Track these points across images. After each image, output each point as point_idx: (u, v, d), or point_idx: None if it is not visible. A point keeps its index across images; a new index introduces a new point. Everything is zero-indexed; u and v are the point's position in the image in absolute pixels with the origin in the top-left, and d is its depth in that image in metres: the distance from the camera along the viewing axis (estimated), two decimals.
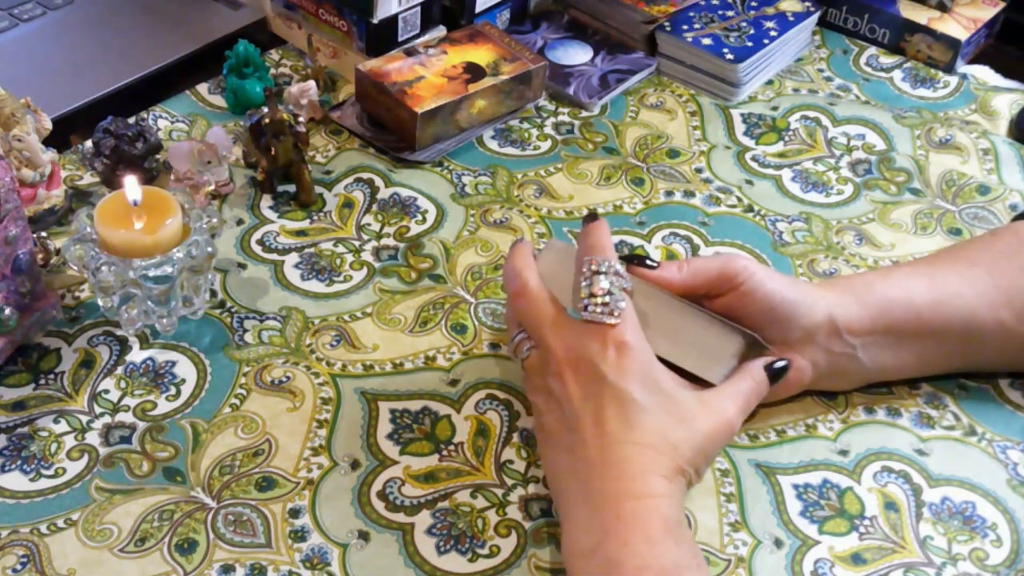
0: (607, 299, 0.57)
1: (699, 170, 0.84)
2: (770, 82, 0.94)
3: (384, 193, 0.79)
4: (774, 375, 0.61)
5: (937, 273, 0.65)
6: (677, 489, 0.55)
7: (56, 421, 0.62)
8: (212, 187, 0.77)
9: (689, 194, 0.82)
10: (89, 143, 0.78)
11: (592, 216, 0.61)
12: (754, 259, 0.65)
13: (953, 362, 0.66)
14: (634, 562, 0.51)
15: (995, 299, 0.64)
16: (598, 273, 0.58)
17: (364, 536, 0.58)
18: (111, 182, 0.76)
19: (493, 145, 0.85)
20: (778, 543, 0.59)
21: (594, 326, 0.57)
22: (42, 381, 0.65)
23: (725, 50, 0.90)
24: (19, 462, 0.60)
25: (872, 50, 0.98)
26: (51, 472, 0.60)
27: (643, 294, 0.61)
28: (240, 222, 0.76)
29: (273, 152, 0.76)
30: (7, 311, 0.62)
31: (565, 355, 0.57)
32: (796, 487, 0.62)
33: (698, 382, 0.60)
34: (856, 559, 0.59)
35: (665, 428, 0.55)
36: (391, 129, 0.83)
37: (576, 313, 0.58)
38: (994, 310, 0.64)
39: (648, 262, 0.62)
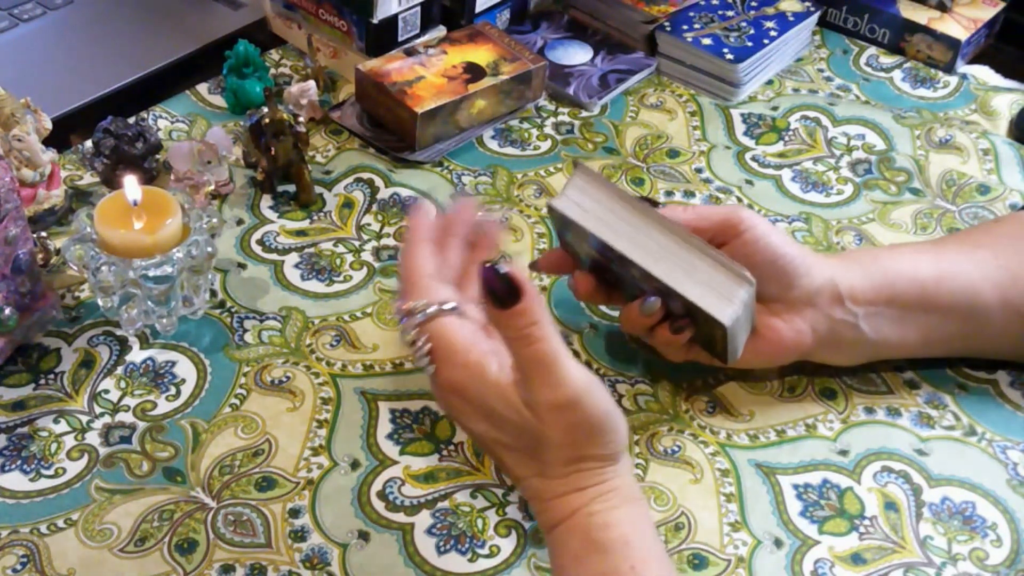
0: (412, 351, 0.53)
1: (699, 170, 0.84)
2: (770, 82, 0.94)
3: (384, 193, 0.79)
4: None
5: (943, 252, 0.65)
6: (589, 495, 0.51)
7: (56, 421, 0.62)
8: (212, 187, 0.77)
9: (689, 194, 0.82)
10: (89, 143, 0.78)
11: (414, 206, 0.59)
12: (757, 212, 0.64)
13: (955, 343, 0.66)
14: None
15: (999, 279, 0.64)
16: (400, 327, 0.54)
17: (364, 536, 0.58)
18: (111, 182, 0.76)
19: (493, 145, 0.85)
20: (778, 543, 0.59)
21: (430, 377, 0.54)
22: (42, 381, 0.65)
23: (725, 50, 0.90)
24: (19, 462, 0.60)
25: (872, 50, 0.98)
26: (51, 472, 0.60)
27: (660, 226, 0.59)
28: (240, 222, 0.76)
29: (273, 152, 0.76)
30: (7, 311, 0.62)
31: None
32: (796, 487, 0.62)
33: (709, 321, 0.59)
34: (856, 559, 0.59)
35: (531, 454, 0.52)
36: (391, 129, 0.83)
37: None
38: (998, 290, 0.64)
39: (651, 201, 0.61)
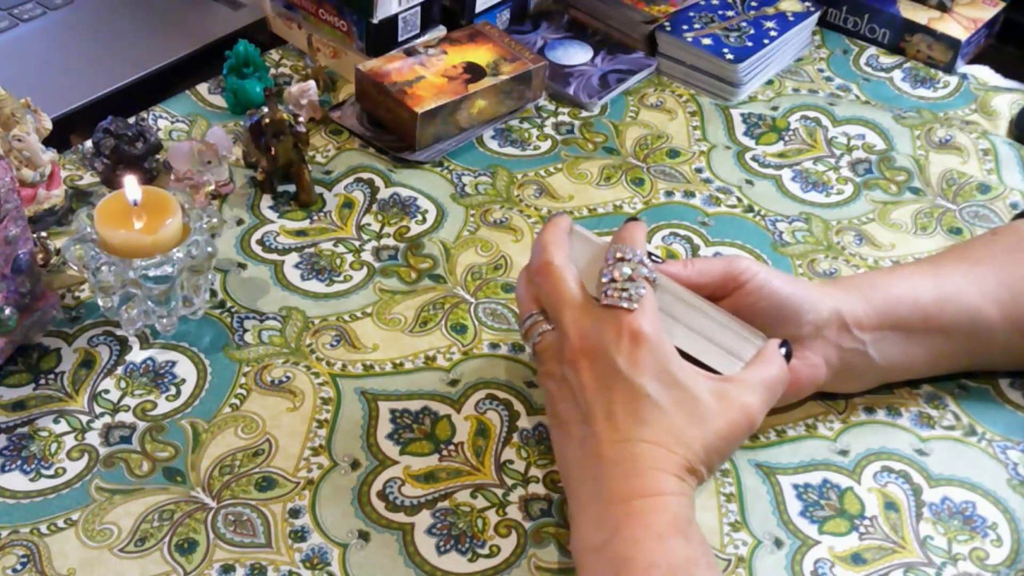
0: (627, 285, 0.56)
1: (699, 170, 0.84)
2: (770, 82, 0.94)
3: (384, 193, 0.79)
4: (787, 356, 0.60)
5: (941, 272, 0.65)
6: (688, 487, 0.54)
7: (56, 421, 0.62)
8: (212, 187, 0.77)
9: (689, 194, 0.82)
10: (89, 143, 0.78)
11: (633, 218, 0.62)
12: (756, 260, 0.65)
13: (961, 360, 0.66)
14: (645, 559, 0.51)
15: (1000, 296, 0.64)
16: (622, 260, 0.57)
17: (364, 536, 0.58)
18: (111, 182, 0.76)
19: (493, 145, 0.85)
20: (778, 543, 0.59)
21: (611, 313, 0.56)
22: (42, 381, 0.65)
23: (725, 50, 0.90)
24: (19, 462, 0.60)
25: (872, 50, 0.98)
26: (51, 472, 0.60)
27: (665, 288, 0.60)
28: (240, 222, 0.76)
29: (273, 152, 0.76)
30: (7, 311, 0.62)
31: (580, 343, 0.56)
32: (796, 487, 0.62)
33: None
34: (856, 559, 0.59)
35: (678, 426, 0.55)
36: (391, 129, 0.84)
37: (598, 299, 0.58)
38: (999, 308, 0.64)
39: (653, 256, 0.62)
